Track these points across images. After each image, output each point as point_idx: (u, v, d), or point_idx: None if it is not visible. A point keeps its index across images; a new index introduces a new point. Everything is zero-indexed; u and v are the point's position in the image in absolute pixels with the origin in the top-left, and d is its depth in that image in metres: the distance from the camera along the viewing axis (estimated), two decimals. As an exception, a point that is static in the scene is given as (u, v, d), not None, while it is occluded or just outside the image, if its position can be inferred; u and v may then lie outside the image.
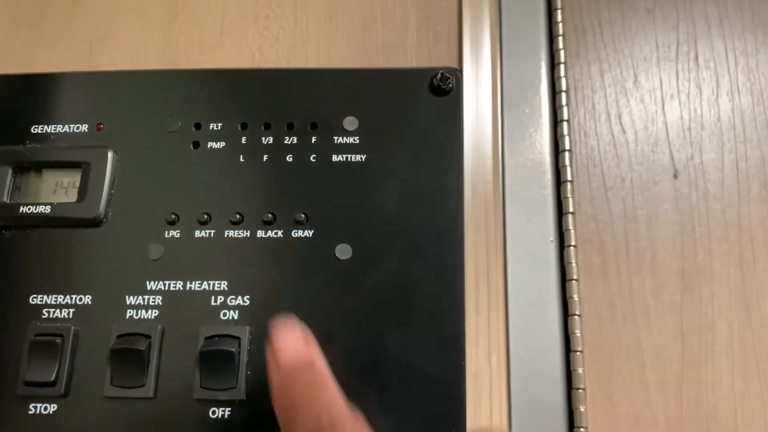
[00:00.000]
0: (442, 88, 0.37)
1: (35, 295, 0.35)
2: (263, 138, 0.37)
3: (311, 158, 0.36)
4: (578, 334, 0.39)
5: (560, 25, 0.46)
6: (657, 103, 0.45)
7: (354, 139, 0.37)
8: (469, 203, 0.36)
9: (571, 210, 0.42)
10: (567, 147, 0.43)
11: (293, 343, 0.30)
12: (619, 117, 0.44)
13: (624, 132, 0.44)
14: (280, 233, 0.35)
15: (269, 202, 0.36)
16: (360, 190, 0.36)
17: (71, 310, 0.35)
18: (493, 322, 0.34)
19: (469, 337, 0.33)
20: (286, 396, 0.28)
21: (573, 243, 0.41)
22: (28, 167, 0.37)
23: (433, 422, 0.32)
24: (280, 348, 0.29)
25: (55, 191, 0.37)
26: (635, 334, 0.40)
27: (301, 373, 0.29)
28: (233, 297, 0.34)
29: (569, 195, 0.42)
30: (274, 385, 0.29)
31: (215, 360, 0.32)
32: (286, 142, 0.37)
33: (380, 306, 0.34)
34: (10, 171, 0.37)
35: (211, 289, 0.34)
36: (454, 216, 0.35)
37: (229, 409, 0.33)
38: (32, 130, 0.38)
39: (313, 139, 0.37)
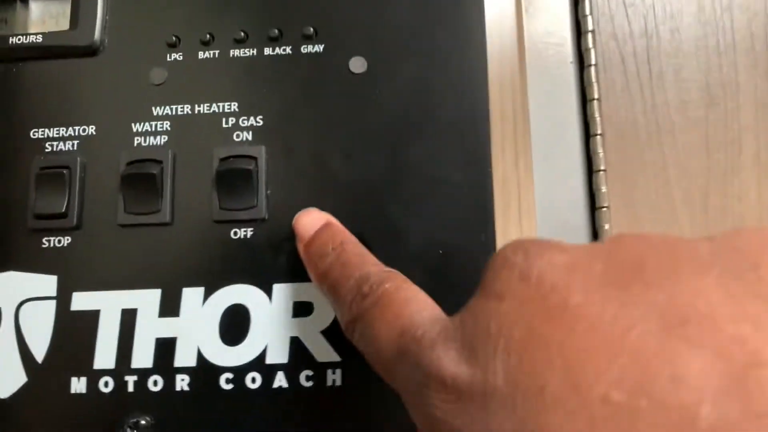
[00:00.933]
0: None
1: (36, 129, 0.33)
2: (263, -51, 0.34)
3: (317, -31, 0.34)
4: (600, 154, 0.38)
5: None
6: None
7: (363, -55, 0.34)
8: (489, 12, 0.33)
9: (590, 28, 0.40)
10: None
11: (307, 215, 0.30)
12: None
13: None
14: (288, 50, 0.33)
15: (274, 18, 0.34)
16: (372, 0, 0.33)
17: (75, 142, 0.33)
18: (519, 128, 0.32)
19: (494, 143, 0.31)
20: (314, 263, 0.28)
21: (593, 62, 0.39)
22: (11, -3, 0.35)
23: (463, 230, 0.31)
24: (297, 223, 0.30)
25: (44, 21, 0.34)
26: (659, 151, 0.39)
27: (324, 237, 0.29)
28: (245, 118, 0.33)
29: (588, 13, 0.40)
30: (304, 260, 0.29)
31: (233, 179, 0.31)
32: (288, -48, 0.34)
33: (400, 118, 0.32)
34: (-7, 2, 0.34)
35: (221, 110, 0.33)
36: (475, 20, 0.33)
37: (251, 228, 0.31)
38: (13, -42, 0.35)
39: (318, -52, 0.34)
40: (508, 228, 0.31)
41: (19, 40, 0.34)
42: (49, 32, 0.34)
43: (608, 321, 0.17)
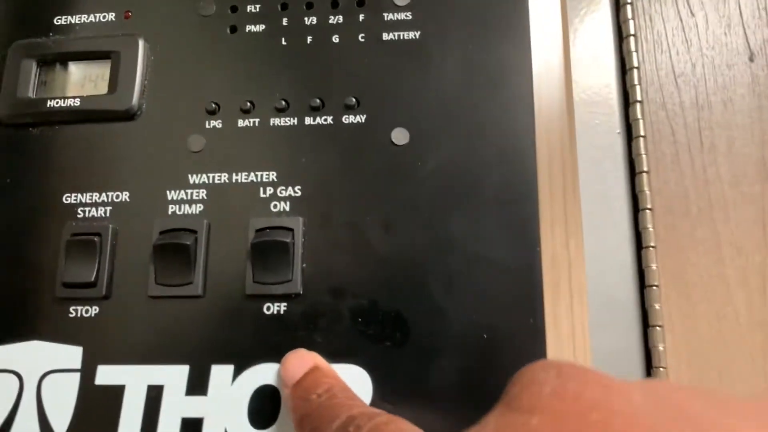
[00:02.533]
0: (503, -45, 0.33)
1: (69, 194, 0.33)
2: (306, 18, 0.34)
3: (359, 38, 0.33)
4: (650, 229, 0.36)
5: None
6: (729, -19, 0.41)
7: (406, 15, 0.33)
8: (536, 83, 0.32)
9: (638, 98, 0.38)
10: (632, 32, 0.39)
11: (295, 357, 0.29)
12: (687, -2, 0.41)
13: (693, 14, 0.40)
14: (329, 119, 0.32)
15: (316, 87, 0.33)
16: (415, 70, 0.33)
17: (108, 208, 0.32)
18: (569, 206, 0.31)
19: (543, 221, 0.30)
20: (297, 406, 0.27)
21: (642, 133, 0.38)
22: (54, 60, 0.34)
23: (510, 313, 0.29)
24: (284, 365, 0.29)
25: (83, 84, 0.34)
26: (712, 227, 0.37)
27: (310, 381, 0.27)
28: (283, 188, 0.32)
29: (636, 83, 0.39)
30: (290, 406, 0.28)
31: (268, 252, 0.30)
32: (331, 21, 0.34)
33: (443, 192, 0.31)
34: (34, 65, 0.34)
35: (259, 180, 0.32)
36: (523, 95, 0.32)
37: (285, 303, 0.30)
38: (55, 22, 0.35)
39: (361, 17, 0.33)
40: (558, 310, 0.29)
41: (57, 103, 0.33)
42: (87, 96, 0.33)
43: None
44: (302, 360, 0.28)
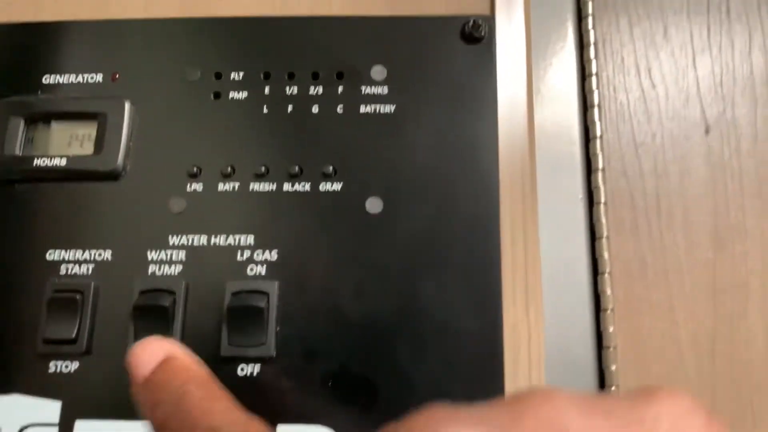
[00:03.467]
0: (474, 36, 0.35)
1: (52, 251, 0.34)
2: (287, 88, 0.35)
3: (338, 109, 0.35)
4: (608, 293, 0.38)
5: (588, -25, 0.44)
6: (688, 56, 0.43)
7: (382, 89, 0.35)
8: (502, 156, 0.34)
9: (600, 166, 0.41)
10: (596, 102, 0.42)
11: (143, 348, 0.24)
12: (649, 71, 0.43)
13: (654, 87, 0.43)
14: (307, 186, 0.34)
15: (295, 155, 0.34)
16: (390, 142, 0.34)
17: (90, 266, 0.33)
18: (530, 274, 0.32)
19: (505, 289, 0.32)
20: (150, 409, 0.22)
21: (603, 200, 0.40)
22: (41, 118, 0.36)
23: (472, 377, 0.31)
24: (130, 357, 0.24)
25: (70, 143, 0.35)
26: (667, 292, 0.39)
27: (161, 378, 0.23)
28: (260, 251, 0.33)
29: (598, 151, 0.41)
30: (138, 402, 0.23)
31: (243, 316, 0.31)
32: (311, 92, 0.35)
33: (414, 260, 0.33)
34: (22, 122, 0.35)
35: (236, 243, 0.33)
36: (489, 168, 0.34)
37: (259, 365, 0.31)
38: (44, 80, 0.36)
39: (340, 89, 0.35)
40: (517, 378, 0.31)
41: (43, 162, 0.34)
42: (73, 156, 0.35)
43: None
44: (150, 350, 0.23)
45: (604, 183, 0.40)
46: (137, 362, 0.23)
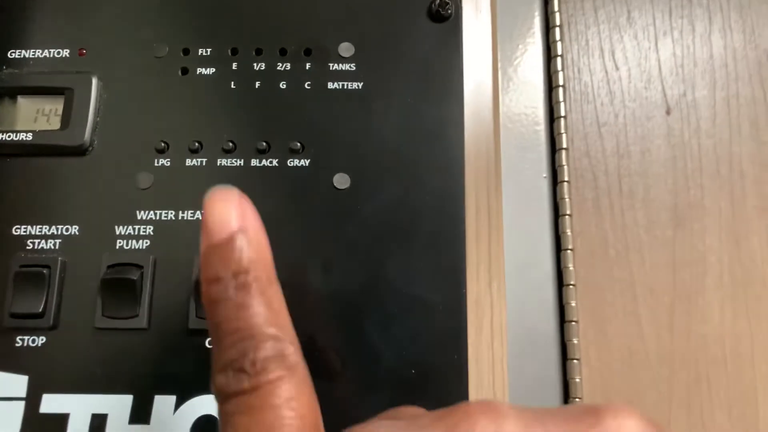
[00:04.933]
0: (441, 14, 0.36)
1: (18, 226, 0.34)
2: (255, 64, 0.36)
3: (306, 85, 0.35)
4: (571, 268, 0.39)
5: (554, -42, 0.45)
6: (650, 39, 0.44)
7: (350, 66, 0.35)
8: (468, 134, 0.35)
9: (564, 146, 0.41)
10: (561, 83, 0.43)
11: (223, 204, 0.22)
12: (613, 53, 0.44)
13: (617, 68, 0.44)
14: (275, 162, 0.34)
15: (263, 131, 0.35)
16: (357, 119, 0.35)
17: (57, 241, 0.33)
18: (493, 250, 0.33)
19: (469, 265, 0.33)
20: (208, 280, 0.22)
21: (566, 179, 0.41)
22: (7, 93, 0.35)
23: (436, 350, 0.31)
24: (207, 210, 0.22)
25: (36, 119, 0.35)
26: (628, 269, 0.40)
27: (230, 252, 0.22)
28: (228, 226, 0.33)
29: (563, 131, 0.42)
30: (201, 261, 0.22)
31: (211, 289, 0.31)
32: (279, 68, 0.35)
33: (380, 235, 0.33)
34: (-14, 97, 0.35)
35: (204, 218, 0.33)
36: (455, 145, 0.34)
37: (227, 338, 0.32)
38: (9, 55, 0.36)
39: (308, 66, 0.35)
40: (480, 349, 0.32)
41: (9, 136, 0.34)
42: (39, 131, 0.34)
43: None
44: (228, 215, 0.22)
45: (568, 162, 0.41)
46: (210, 226, 0.22)
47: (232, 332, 0.20)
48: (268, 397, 0.20)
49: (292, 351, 0.21)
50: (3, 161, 0.35)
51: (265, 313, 0.21)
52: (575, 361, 0.38)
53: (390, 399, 0.31)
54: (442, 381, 0.31)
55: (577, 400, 0.37)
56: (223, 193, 0.23)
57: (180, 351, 0.32)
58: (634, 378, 0.39)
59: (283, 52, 0.36)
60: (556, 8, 0.44)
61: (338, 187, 0.34)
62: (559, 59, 0.43)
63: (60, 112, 0.35)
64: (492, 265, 0.33)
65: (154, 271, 0.33)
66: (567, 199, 0.41)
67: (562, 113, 0.42)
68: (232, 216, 0.22)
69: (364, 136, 0.35)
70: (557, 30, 0.43)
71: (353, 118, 0.35)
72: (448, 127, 0.35)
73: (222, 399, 0.20)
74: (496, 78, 0.36)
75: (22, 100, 0.36)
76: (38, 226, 0.34)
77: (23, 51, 0.36)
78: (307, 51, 0.36)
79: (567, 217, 0.40)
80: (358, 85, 0.35)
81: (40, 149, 0.34)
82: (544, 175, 0.42)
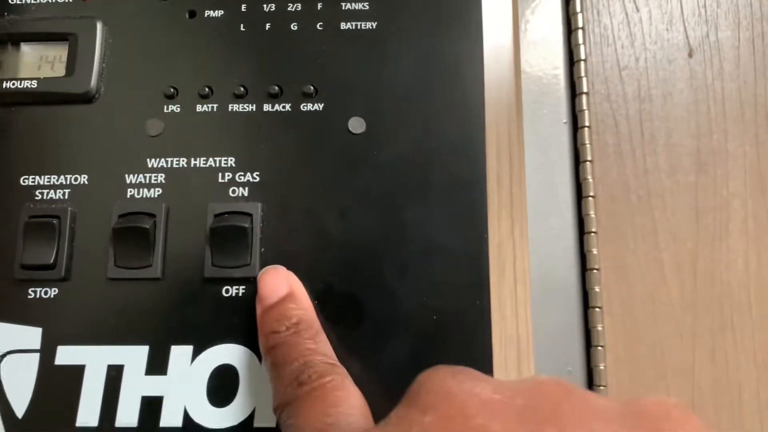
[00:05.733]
0: (458, -51, 0.34)
1: (26, 176, 0.33)
2: (264, 5, 0.34)
3: (318, 26, 0.34)
4: (592, 215, 0.38)
5: None
6: (672, -22, 0.43)
7: (363, 5, 0.34)
8: (488, 76, 0.34)
9: (584, 90, 0.40)
10: (580, 25, 0.41)
11: (273, 277, 0.30)
12: (633, -6, 0.42)
13: (638, 10, 0.42)
14: (288, 107, 0.33)
15: (275, 74, 0.33)
16: (372, 60, 0.34)
17: (67, 191, 0.32)
18: (515, 194, 0.32)
19: (491, 209, 0.32)
20: (266, 334, 0.28)
21: (587, 124, 0.40)
22: (8, 40, 0.34)
23: (458, 296, 0.31)
24: (261, 282, 0.30)
25: (39, 66, 0.34)
26: (650, 215, 0.39)
27: (282, 311, 0.29)
28: (242, 173, 0.32)
29: (583, 75, 0.40)
30: (258, 324, 0.29)
31: (227, 237, 0.31)
32: (289, 8, 0.34)
33: (398, 180, 0.32)
34: (-13, 45, 0.34)
35: (217, 165, 0.32)
36: (474, 88, 0.33)
37: (244, 286, 0.31)
38: (10, 1, 0.35)
39: (319, 6, 0.34)
40: (502, 294, 0.31)
41: (13, 84, 0.33)
42: (44, 78, 0.33)
43: None
44: (278, 283, 0.30)
45: (588, 107, 0.40)
46: (264, 292, 0.29)
47: (289, 362, 0.26)
48: (326, 393, 0.24)
49: (340, 366, 0.27)
50: (7, 110, 0.34)
51: (315, 348, 0.27)
52: (597, 309, 0.37)
53: (411, 345, 0.30)
54: (464, 327, 0.31)
55: (599, 348, 0.37)
56: (272, 268, 0.31)
57: (196, 300, 0.31)
58: (656, 325, 0.38)
59: (293, -8, 0.34)
60: (574, -53, 0.42)
61: (353, 131, 0.33)
62: (578, 0, 0.41)
63: (64, 58, 0.34)
64: (514, 209, 0.32)
65: (167, 219, 0.32)
66: (588, 145, 0.39)
67: (582, 56, 0.41)
68: (282, 283, 0.30)
69: (380, 79, 0.33)
70: (575, -30, 0.42)
71: (367, 60, 0.34)
72: (467, 68, 0.34)
73: (283, 407, 0.25)
74: (516, 20, 0.35)
75: (25, 47, 0.34)
76: (46, 176, 0.33)
77: (24, -4, 0.35)
78: (319, -10, 0.34)
79: (588, 163, 0.39)
80: (372, 25, 0.34)
81: (45, 97, 0.33)
82: (564, 121, 0.40)
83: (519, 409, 0.19)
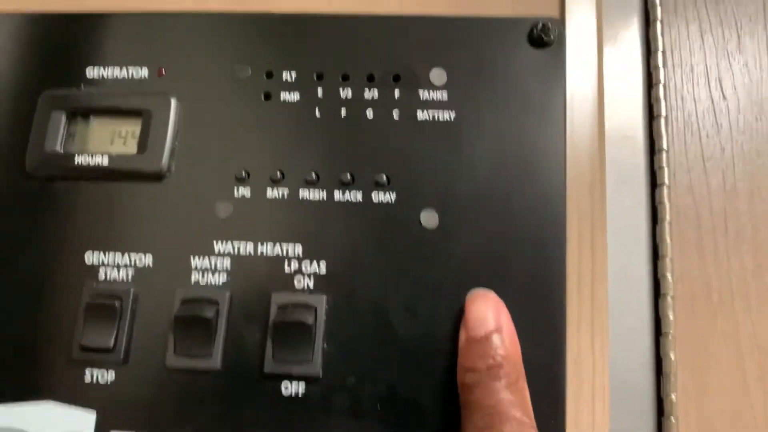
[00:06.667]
0: (543, 39, 0.33)
1: (91, 253, 0.32)
2: (341, 90, 0.33)
3: (394, 115, 0.33)
4: (670, 317, 0.36)
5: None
6: (763, 68, 0.40)
7: (442, 94, 0.33)
8: (570, 168, 0.32)
9: (665, 181, 0.38)
10: (663, 113, 0.39)
11: (484, 305, 0.29)
12: (720, 81, 0.40)
13: (725, 98, 0.40)
14: (359, 196, 0.32)
15: (348, 162, 0.33)
16: (449, 152, 0.32)
17: (130, 271, 0.32)
18: (597, 301, 0.30)
19: (570, 318, 0.30)
20: (465, 369, 0.28)
21: (667, 217, 0.38)
22: (83, 113, 0.34)
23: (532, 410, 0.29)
24: (470, 308, 0.29)
25: (112, 141, 0.34)
26: (733, 318, 0.37)
27: (486, 348, 0.28)
28: (308, 263, 0.31)
29: (664, 165, 0.38)
30: (459, 350, 0.29)
31: (289, 331, 0.30)
32: (366, 95, 0.33)
33: (469, 279, 0.31)
34: (63, 117, 0.34)
35: (284, 253, 0.31)
36: (555, 182, 0.32)
37: (304, 384, 0.30)
38: (87, 74, 0.35)
39: (396, 93, 0.33)
40: (579, 411, 0.29)
41: (85, 159, 0.33)
42: (116, 154, 0.33)
43: None
44: (486, 316, 0.29)
45: (669, 199, 0.38)
46: (475, 317, 0.29)
47: (483, 409, 0.25)
48: None
49: (532, 428, 0.25)
50: (78, 185, 0.33)
51: (512, 399, 0.26)
52: (672, 418, 0.35)
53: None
54: (536, 444, 0.29)
55: (674, 461, 0.34)
56: (483, 294, 0.30)
57: (253, 395, 0.30)
58: (737, 441, 0.35)
59: (371, 78, 0.34)
60: (658, 32, 0.41)
61: (425, 225, 0.32)
62: (661, 86, 0.40)
63: (137, 134, 0.33)
64: (595, 318, 0.30)
65: (230, 307, 0.31)
66: (668, 240, 0.37)
67: (664, 146, 0.39)
68: (490, 316, 0.28)
69: (455, 171, 0.32)
70: (660, 55, 0.40)
71: (444, 151, 0.32)
72: (548, 160, 0.32)
73: None
74: (601, 109, 0.33)
75: (98, 121, 0.34)
76: (111, 254, 0.32)
77: (101, 69, 0.35)
78: (396, 77, 0.33)
79: (667, 259, 0.37)
80: (449, 115, 0.33)
81: (115, 174, 0.33)
82: (644, 212, 0.38)
83: None
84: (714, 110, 0.40)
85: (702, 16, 0.42)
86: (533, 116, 0.33)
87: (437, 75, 0.33)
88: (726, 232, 0.38)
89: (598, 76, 0.33)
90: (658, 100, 0.39)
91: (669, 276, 0.37)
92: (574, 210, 0.31)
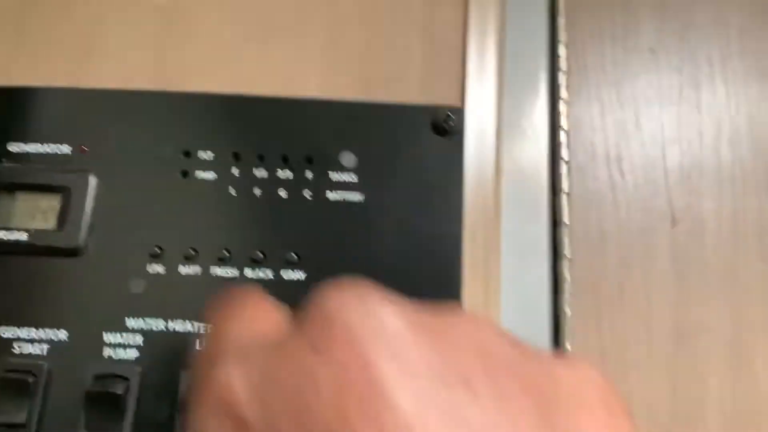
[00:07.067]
0: (445, 128, 0.35)
1: (6, 328, 0.33)
2: (256, 170, 0.35)
3: (306, 194, 0.35)
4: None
5: (563, 60, 0.45)
6: (658, 147, 0.44)
7: (351, 176, 0.35)
8: (467, 249, 0.34)
9: (566, 254, 0.41)
10: (565, 189, 0.42)
11: None
12: (619, 160, 0.43)
13: (623, 176, 0.43)
14: (270, 273, 0.34)
15: (260, 240, 0.34)
16: (356, 232, 0.34)
17: (45, 346, 0.33)
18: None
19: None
20: None
21: (567, 289, 0.40)
22: (5, 188, 0.35)
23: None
24: None
25: (33, 215, 0.35)
26: (626, 386, 0.39)
27: None
28: (218, 340, 0.32)
29: (565, 238, 0.41)
30: None
31: (197, 408, 0.31)
32: (279, 175, 0.35)
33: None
34: (-15, 191, 0.35)
35: (195, 330, 0.33)
36: (452, 263, 0.34)
37: (211, 460, 0.31)
38: (9, 148, 0.36)
39: (309, 174, 0.35)
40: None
41: (4, 235, 0.34)
42: (35, 230, 0.34)
43: None
44: None
45: (570, 271, 0.41)
46: None
47: None
48: None
49: None
50: (-4, 259, 0.34)
51: None
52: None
53: None
54: None
55: None
56: None
57: (162, 472, 0.31)
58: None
59: (285, 159, 0.35)
60: (563, 111, 0.44)
61: (333, 302, 0.33)
62: (564, 164, 0.42)
63: (57, 210, 0.34)
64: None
65: (141, 384, 0.32)
66: (567, 311, 0.40)
67: (566, 220, 0.41)
68: None
69: (363, 250, 0.34)
70: (563, 133, 0.43)
71: (352, 231, 0.34)
72: (447, 243, 0.34)
73: None
74: (498, 193, 0.36)
75: (20, 196, 0.35)
76: (26, 329, 0.33)
77: (23, 144, 0.36)
78: (309, 158, 0.35)
79: (567, 328, 0.39)
80: (358, 197, 0.35)
81: (34, 249, 0.34)
82: (545, 283, 0.41)
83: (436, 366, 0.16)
84: (613, 187, 0.43)
85: (604, 96, 0.45)
86: (435, 199, 0.35)
87: (348, 158, 0.35)
88: (622, 304, 0.41)
89: (496, 163, 0.36)
90: (560, 176, 0.42)
91: (569, 346, 0.39)
92: (469, 289, 0.34)
